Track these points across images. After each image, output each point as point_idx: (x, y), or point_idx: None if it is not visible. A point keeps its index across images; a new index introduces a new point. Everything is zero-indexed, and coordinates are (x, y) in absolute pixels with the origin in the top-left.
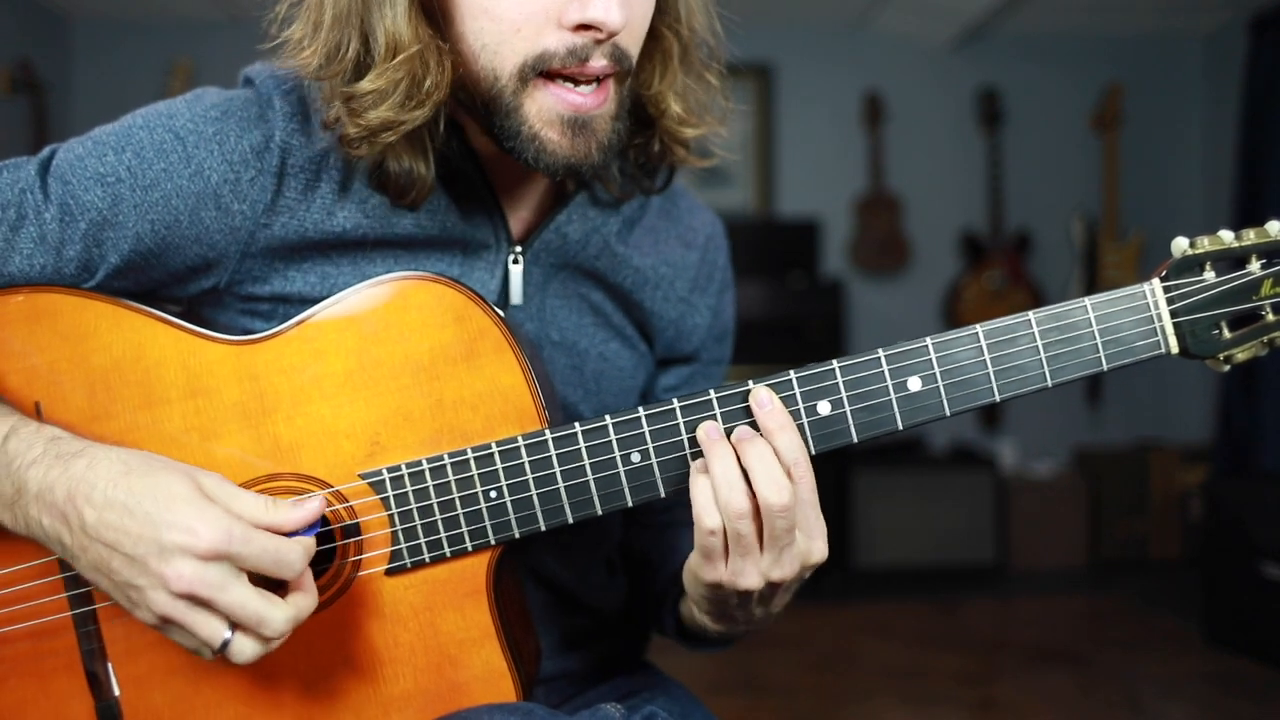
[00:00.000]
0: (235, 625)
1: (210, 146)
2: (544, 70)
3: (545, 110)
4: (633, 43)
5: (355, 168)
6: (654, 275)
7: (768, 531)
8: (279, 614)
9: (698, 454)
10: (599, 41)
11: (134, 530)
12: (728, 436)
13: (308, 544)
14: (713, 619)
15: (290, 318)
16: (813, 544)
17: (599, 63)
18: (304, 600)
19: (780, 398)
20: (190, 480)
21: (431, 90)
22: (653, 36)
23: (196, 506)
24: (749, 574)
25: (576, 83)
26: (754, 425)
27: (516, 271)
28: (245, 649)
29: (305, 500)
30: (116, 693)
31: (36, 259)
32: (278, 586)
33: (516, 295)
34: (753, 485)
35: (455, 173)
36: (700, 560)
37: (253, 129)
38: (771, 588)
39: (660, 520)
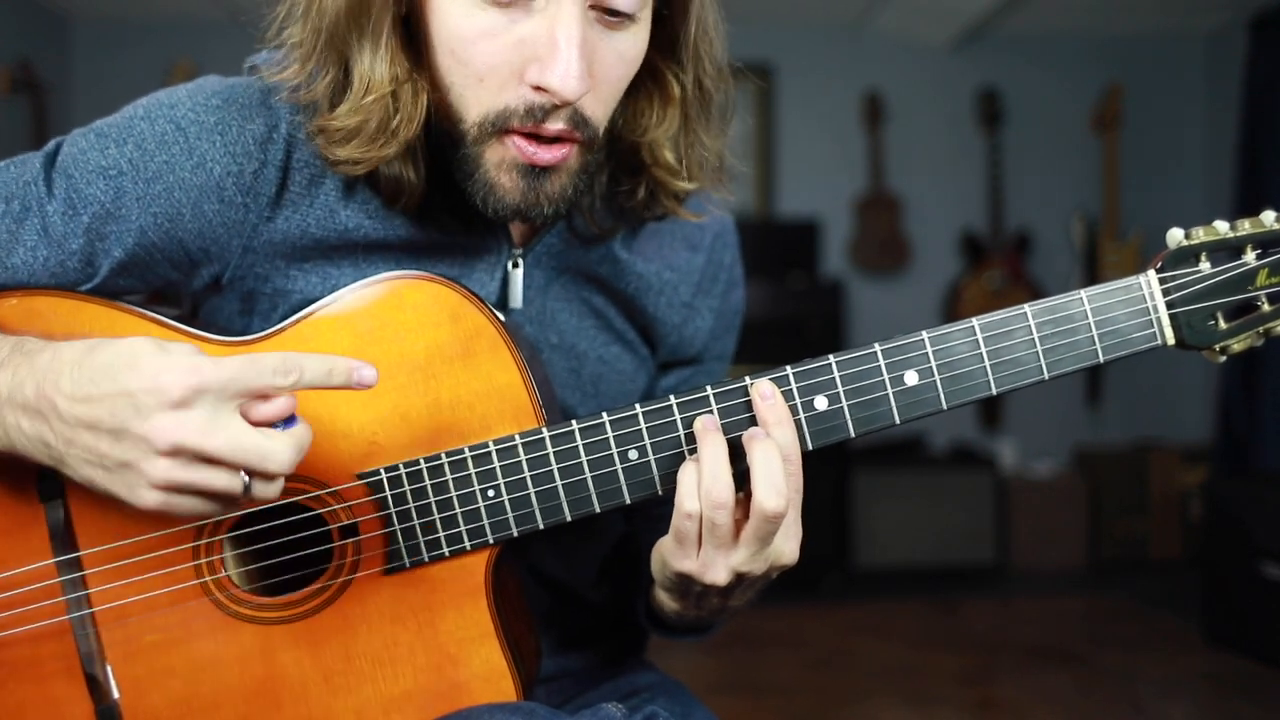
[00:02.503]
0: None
1: (212, 137)
2: (504, 127)
3: (505, 160)
4: (600, 107)
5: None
6: (657, 281)
7: (752, 530)
8: (279, 445)
9: (694, 451)
10: (557, 106)
11: (106, 398)
12: (725, 431)
13: (290, 355)
14: (672, 597)
15: (289, 318)
16: (787, 545)
17: (556, 125)
18: (301, 429)
19: None
20: (151, 339)
21: (399, 128)
22: (655, 79)
23: (159, 356)
24: (718, 568)
25: (536, 139)
26: (753, 420)
27: (516, 275)
28: (265, 489)
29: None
30: (116, 696)
31: (39, 252)
32: None
33: (516, 299)
34: (752, 484)
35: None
36: (674, 545)
37: (255, 117)
38: (738, 578)
39: (656, 514)
